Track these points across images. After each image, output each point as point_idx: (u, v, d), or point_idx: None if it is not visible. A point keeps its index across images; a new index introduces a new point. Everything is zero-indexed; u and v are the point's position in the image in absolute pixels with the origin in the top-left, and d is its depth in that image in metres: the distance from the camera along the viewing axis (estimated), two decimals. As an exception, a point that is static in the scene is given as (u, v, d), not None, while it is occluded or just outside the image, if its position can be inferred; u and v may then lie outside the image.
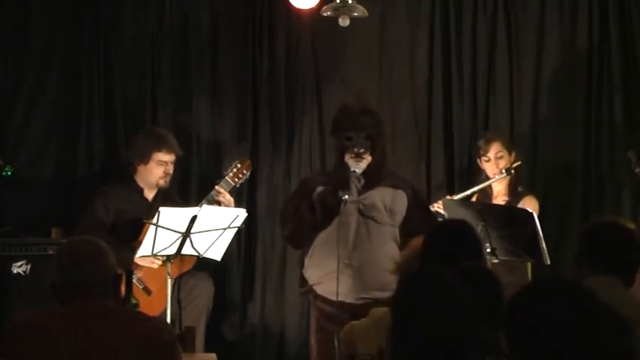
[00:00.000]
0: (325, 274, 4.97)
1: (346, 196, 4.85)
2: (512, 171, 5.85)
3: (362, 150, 4.97)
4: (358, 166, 4.95)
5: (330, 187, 4.96)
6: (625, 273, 3.66)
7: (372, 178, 5.01)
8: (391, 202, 5.05)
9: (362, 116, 5.01)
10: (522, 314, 2.31)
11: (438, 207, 5.77)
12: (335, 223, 4.93)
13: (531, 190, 6.06)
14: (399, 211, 5.08)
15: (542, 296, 2.30)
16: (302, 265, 5.15)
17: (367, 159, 4.99)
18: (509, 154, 5.98)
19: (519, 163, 5.94)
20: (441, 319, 2.62)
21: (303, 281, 5.18)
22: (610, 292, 3.07)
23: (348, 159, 4.98)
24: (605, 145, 6.55)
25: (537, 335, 2.25)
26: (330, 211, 4.93)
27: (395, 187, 5.10)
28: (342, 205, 4.85)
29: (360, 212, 5.01)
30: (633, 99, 6.57)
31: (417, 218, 5.06)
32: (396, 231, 5.08)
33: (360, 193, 5.00)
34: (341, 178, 4.96)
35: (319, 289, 5.05)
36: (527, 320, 2.28)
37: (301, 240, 5.12)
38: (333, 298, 4.88)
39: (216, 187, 5.80)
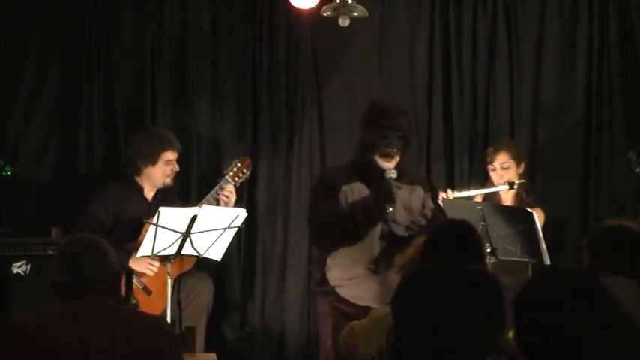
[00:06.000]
0: (349, 278, 4.92)
1: (391, 209, 4.85)
2: (515, 187, 5.81)
3: (395, 150, 4.96)
4: (392, 171, 4.92)
5: (374, 198, 4.90)
6: (639, 274, 3.68)
7: (398, 178, 4.99)
8: (409, 200, 5.06)
9: (400, 116, 5.03)
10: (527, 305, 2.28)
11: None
12: None
13: (538, 202, 5.97)
14: (415, 208, 5.07)
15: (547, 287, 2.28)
16: (324, 264, 5.07)
17: (396, 159, 4.97)
18: (518, 164, 5.94)
19: (523, 181, 5.89)
20: (441, 319, 2.62)
21: (324, 281, 5.10)
22: (624, 291, 3.07)
23: (378, 158, 4.95)
24: (605, 146, 6.55)
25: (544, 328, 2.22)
26: (375, 223, 4.91)
27: (412, 183, 5.11)
28: (387, 217, 4.88)
29: None
30: (633, 99, 6.57)
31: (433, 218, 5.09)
32: None
33: None
34: (373, 176, 4.90)
35: (342, 292, 4.98)
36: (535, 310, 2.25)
37: (340, 248, 5.02)
38: (359, 302, 4.82)
39: (220, 184, 5.80)
